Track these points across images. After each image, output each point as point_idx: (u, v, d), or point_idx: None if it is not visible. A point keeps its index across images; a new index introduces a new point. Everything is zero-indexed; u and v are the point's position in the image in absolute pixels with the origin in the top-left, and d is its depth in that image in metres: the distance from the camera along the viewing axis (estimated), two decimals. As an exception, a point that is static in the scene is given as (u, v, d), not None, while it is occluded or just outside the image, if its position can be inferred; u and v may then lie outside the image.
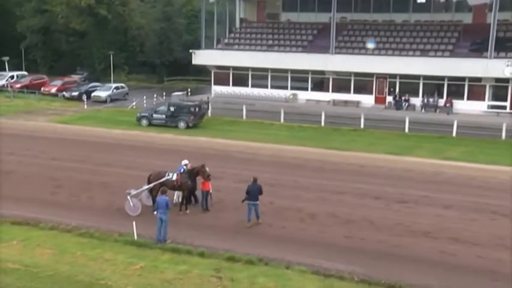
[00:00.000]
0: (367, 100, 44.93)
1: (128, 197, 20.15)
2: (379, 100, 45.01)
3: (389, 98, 44.50)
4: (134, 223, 17.84)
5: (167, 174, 20.35)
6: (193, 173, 20.24)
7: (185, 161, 21.05)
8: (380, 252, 17.33)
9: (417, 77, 43.09)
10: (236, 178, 24.10)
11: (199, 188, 20.68)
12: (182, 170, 20.49)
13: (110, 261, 16.33)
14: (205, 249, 17.05)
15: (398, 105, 43.63)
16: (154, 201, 20.36)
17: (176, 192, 20.91)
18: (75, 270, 15.70)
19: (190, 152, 30.40)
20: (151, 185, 20.35)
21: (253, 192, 19.19)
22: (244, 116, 40.60)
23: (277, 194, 22.97)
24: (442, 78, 42.33)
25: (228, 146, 32.20)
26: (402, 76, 43.71)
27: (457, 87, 42.28)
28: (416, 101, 43.50)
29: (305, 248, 17.55)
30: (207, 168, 20.46)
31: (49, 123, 38.76)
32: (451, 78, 42.05)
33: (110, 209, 21.02)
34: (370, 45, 44.86)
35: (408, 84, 43.84)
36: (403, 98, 43.67)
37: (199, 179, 20.50)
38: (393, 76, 44.10)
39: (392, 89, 44.55)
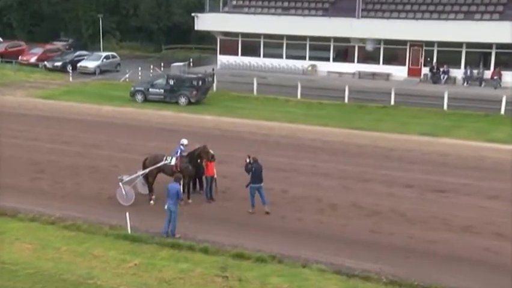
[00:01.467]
0: (399, 72, 44.66)
1: (121, 184, 20.30)
2: (413, 72, 44.74)
3: (425, 70, 44.23)
4: (127, 214, 18.00)
5: (165, 158, 20.48)
6: (194, 156, 20.34)
7: (184, 140, 21.11)
8: (412, 249, 17.38)
9: (459, 44, 42.66)
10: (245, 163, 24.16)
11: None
12: (179, 152, 20.58)
13: (100, 257, 16.50)
14: (209, 244, 17.19)
15: (435, 78, 43.35)
16: (150, 189, 20.54)
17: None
18: (59, 267, 15.89)
19: (193, 132, 30.43)
20: (147, 170, 20.49)
21: (257, 173, 19.32)
22: (255, 91, 40.52)
23: (292, 181, 23.04)
24: (489, 45, 41.89)
25: (236, 126, 32.23)
26: (441, 43, 43.33)
27: (507, 56, 41.83)
28: (457, 73, 43.22)
29: (325, 243, 17.63)
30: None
31: (28, 98, 39.01)
32: (499, 46, 41.56)
33: (100, 197, 21.21)
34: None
35: (448, 53, 43.48)
36: (442, 69, 43.37)
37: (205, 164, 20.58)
38: (431, 44, 43.73)
39: (428, 59, 44.25)
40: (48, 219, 19.02)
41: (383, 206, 20.69)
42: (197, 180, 21.23)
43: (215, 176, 20.79)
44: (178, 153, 20.55)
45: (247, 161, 19.69)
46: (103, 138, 29.14)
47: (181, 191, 18.28)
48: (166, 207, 17.84)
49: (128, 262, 16.22)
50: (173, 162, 20.30)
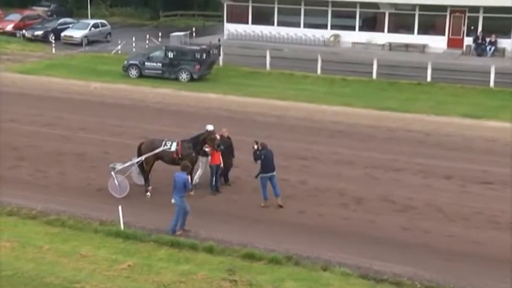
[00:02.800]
0: (437, 43, 44.41)
1: (113, 173, 20.39)
2: (454, 43, 44.46)
3: (468, 40, 43.93)
4: (120, 208, 18.08)
5: (164, 143, 20.50)
6: (198, 141, 20.37)
7: (209, 127, 21.09)
8: (451, 250, 17.35)
9: (509, 9, 42.30)
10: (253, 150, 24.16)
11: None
12: None
13: (89, 257, 16.58)
14: (215, 243, 17.24)
15: (480, 50, 43.06)
16: (146, 179, 20.61)
17: (198, 172, 21.11)
18: (42, 269, 15.97)
19: (195, 113, 30.58)
20: (143, 157, 20.54)
21: (267, 160, 19.34)
22: (267, 66, 40.45)
23: (311, 171, 23.04)
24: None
25: (245, 106, 32.24)
26: (487, 9, 42.99)
27: None
28: (507, 43, 42.92)
29: (349, 243, 17.66)
30: (218, 136, 20.57)
31: (5, 72, 39.17)
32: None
33: (89, 188, 21.32)
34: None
35: (496, 21, 43.15)
36: (488, 39, 43.06)
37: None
38: (475, 9, 43.40)
39: (472, 28, 43.92)
40: (28, 213, 19.15)
41: (417, 199, 20.66)
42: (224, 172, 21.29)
43: (221, 164, 20.86)
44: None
45: (255, 147, 19.69)
46: (92, 119, 29.24)
47: (190, 181, 18.23)
48: (173, 201, 17.90)
49: (121, 263, 16.28)
50: (173, 148, 20.33)
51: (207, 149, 20.44)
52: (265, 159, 19.48)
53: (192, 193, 20.39)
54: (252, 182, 20.83)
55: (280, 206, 19.67)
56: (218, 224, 18.51)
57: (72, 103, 32.54)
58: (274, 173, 19.67)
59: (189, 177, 18.80)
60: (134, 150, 21.27)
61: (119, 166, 20.64)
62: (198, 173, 21.14)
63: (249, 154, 20.56)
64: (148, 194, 20.53)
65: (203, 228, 18.11)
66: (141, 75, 38.28)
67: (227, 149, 20.92)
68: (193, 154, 20.37)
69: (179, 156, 20.26)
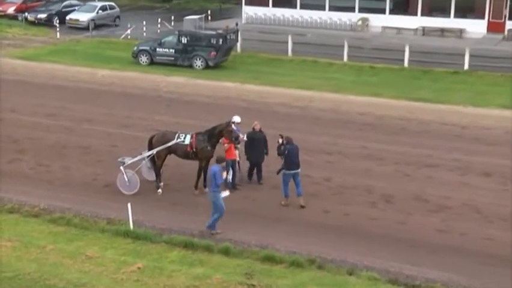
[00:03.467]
0: (475, 28, 44.18)
1: (122, 168, 20.48)
2: (494, 27, 44.20)
3: (511, 25, 43.58)
4: (129, 205, 18.12)
5: (177, 136, 20.53)
6: (214, 134, 20.39)
7: (236, 118, 21.10)
8: (490, 254, 17.24)
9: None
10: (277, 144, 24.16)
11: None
12: (239, 132, 20.75)
13: (95, 259, 16.66)
14: (232, 244, 17.27)
15: (523, 35, 42.78)
16: (157, 174, 20.67)
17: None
18: (44, 271, 16.07)
19: (211, 104, 30.62)
20: (154, 150, 20.60)
21: (292, 157, 19.30)
22: (289, 52, 40.42)
23: (337, 167, 23.01)
24: None
25: (265, 96, 32.24)
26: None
27: None
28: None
29: (377, 245, 17.62)
30: (234, 126, 20.59)
31: (6, 58, 39.40)
32: None
33: (95, 184, 21.43)
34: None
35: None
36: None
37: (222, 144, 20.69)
38: (518, -10, 43.14)
39: (515, 10, 43.68)
40: (31, 211, 19.30)
41: (453, 198, 20.57)
42: (255, 168, 21.29)
43: (237, 158, 20.87)
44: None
45: (280, 141, 19.67)
46: (99, 110, 29.37)
47: (222, 175, 18.13)
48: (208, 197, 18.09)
49: (130, 265, 16.36)
50: (187, 141, 20.35)
51: (225, 145, 20.43)
52: (289, 155, 19.41)
53: (206, 190, 20.47)
54: (272, 178, 20.85)
55: (302, 206, 19.63)
56: (235, 224, 18.47)
57: (77, 92, 32.68)
58: (299, 170, 19.61)
59: (225, 171, 18.73)
60: (144, 143, 21.34)
61: (128, 160, 20.72)
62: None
63: (269, 148, 20.58)
64: (160, 190, 20.60)
65: (219, 228, 18.10)
66: (152, 63, 38.38)
67: (259, 143, 20.88)
68: (208, 148, 20.38)
69: (194, 150, 20.31)
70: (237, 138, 20.37)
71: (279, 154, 19.73)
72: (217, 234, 17.81)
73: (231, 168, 20.62)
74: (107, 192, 20.67)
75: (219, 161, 18.25)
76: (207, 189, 20.47)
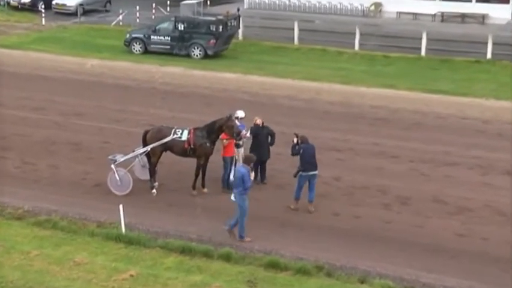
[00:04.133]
0: (499, 13, 44.16)
1: (113, 167, 20.46)
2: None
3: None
4: (121, 207, 18.07)
5: (173, 131, 20.49)
6: (214, 129, 20.35)
7: (239, 113, 21.07)
8: (515, 260, 17.27)
9: None
10: (282, 139, 24.10)
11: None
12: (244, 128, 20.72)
13: (84, 265, 16.62)
14: (233, 249, 17.24)
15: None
16: (152, 173, 20.65)
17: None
18: (29, 278, 16.02)
19: (210, 96, 30.60)
20: (148, 147, 20.57)
21: (307, 157, 19.25)
22: (295, 40, 40.41)
23: (347, 165, 22.99)
24: None
25: (269, 88, 32.22)
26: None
27: None
28: None
29: (392, 250, 17.59)
30: (237, 122, 20.58)
31: (-13, 48, 39.44)
32: None
33: (84, 184, 21.41)
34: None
35: None
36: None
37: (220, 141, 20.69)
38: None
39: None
40: (14, 213, 19.25)
41: (474, 200, 20.53)
42: (258, 166, 21.23)
43: (236, 156, 20.86)
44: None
45: (294, 141, 19.55)
46: (89, 103, 29.35)
47: (250, 176, 18.00)
48: (232, 197, 17.80)
49: (122, 272, 16.32)
50: (184, 137, 20.31)
51: (224, 140, 20.43)
52: (304, 155, 19.22)
53: (205, 190, 20.49)
54: (276, 177, 20.89)
55: (309, 212, 19.54)
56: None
57: (65, 84, 32.66)
58: (316, 172, 19.50)
59: (253, 172, 18.62)
60: (138, 139, 21.29)
61: (120, 158, 20.68)
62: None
63: (281, 145, 20.59)
64: (154, 191, 20.58)
65: (218, 232, 18.06)
66: (146, 51, 38.42)
67: (263, 140, 20.87)
68: (207, 144, 20.36)
69: (192, 146, 20.27)
70: (238, 134, 20.31)
71: (293, 154, 19.64)
72: (248, 242, 17.65)
73: (229, 167, 20.66)
74: (98, 193, 20.65)
75: (246, 161, 18.07)
76: (205, 190, 20.65)
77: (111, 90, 31.85)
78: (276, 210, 19.69)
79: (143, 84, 32.91)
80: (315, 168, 19.41)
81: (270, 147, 21.14)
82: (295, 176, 19.48)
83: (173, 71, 35.12)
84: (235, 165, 20.69)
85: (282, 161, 21.48)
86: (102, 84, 32.81)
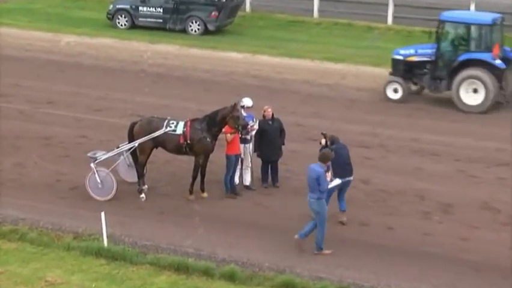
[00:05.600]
0: None
1: (93, 166, 20.45)
2: None
3: None
4: (103, 215, 18.08)
5: (166, 123, 20.42)
6: (216, 121, 20.28)
7: (246, 101, 21.07)
8: None
9: None
10: (298, 132, 24.12)
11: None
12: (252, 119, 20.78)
13: (58, 285, 16.65)
14: (238, 266, 17.21)
15: None
16: (140, 174, 20.62)
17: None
18: (-7, 300, 16.16)
19: (211, 81, 30.67)
20: (136, 142, 20.55)
21: (341, 160, 19.02)
22: (315, 12, 40.49)
23: (378, 165, 23.00)
24: None
25: (282, 71, 32.28)
26: None
27: None
28: None
29: (431, 268, 17.52)
30: (243, 112, 20.56)
31: None
32: None
33: (58, 187, 21.41)
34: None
35: None
36: None
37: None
38: None
39: None
40: (-25, 223, 19.34)
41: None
42: (268, 167, 21.32)
43: (242, 154, 20.82)
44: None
45: (323, 142, 19.35)
46: (63, 89, 29.44)
47: (327, 177, 17.87)
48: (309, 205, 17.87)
49: (104, 294, 16.41)
50: (179, 130, 20.24)
51: (228, 135, 20.39)
52: (337, 158, 18.99)
53: (204, 195, 20.46)
54: (290, 179, 20.88)
55: (342, 223, 19.37)
56: (242, 240, 18.51)
57: (35, 65, 32.81)
58: (352, 177, 19.38)
59: (329, 172, 18.41)
60: (123, 133, 21.32)
61: (102, 156, 20.67)
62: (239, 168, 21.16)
63: (287, 140, 20.52)
64: (143, 195, 20.56)
65: (220, 246, 18.10)
66: (133, 26, 38.60)
67: (273, 135, 20.87)
68: (207, 139, 20.29)
69: (188, 142, 20.21)
70: (245, 127, 20.21)
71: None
72: (327, 254, 17.74)
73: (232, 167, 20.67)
74: (74, 198, 20.63)
75: (322, 159, 17.95)
76: (205, 194, 20.62)
77: (90, 73, 31.96)
78: (290, 219, 19.52)
79: (130, 66, 33.02)
80: (350, 173, 19.23)
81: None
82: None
83: (166, 50, 35.28)
84: (241, 164, 20.74)
85: (297, 160, 21.36)
86: (80, 66, 32.95)
